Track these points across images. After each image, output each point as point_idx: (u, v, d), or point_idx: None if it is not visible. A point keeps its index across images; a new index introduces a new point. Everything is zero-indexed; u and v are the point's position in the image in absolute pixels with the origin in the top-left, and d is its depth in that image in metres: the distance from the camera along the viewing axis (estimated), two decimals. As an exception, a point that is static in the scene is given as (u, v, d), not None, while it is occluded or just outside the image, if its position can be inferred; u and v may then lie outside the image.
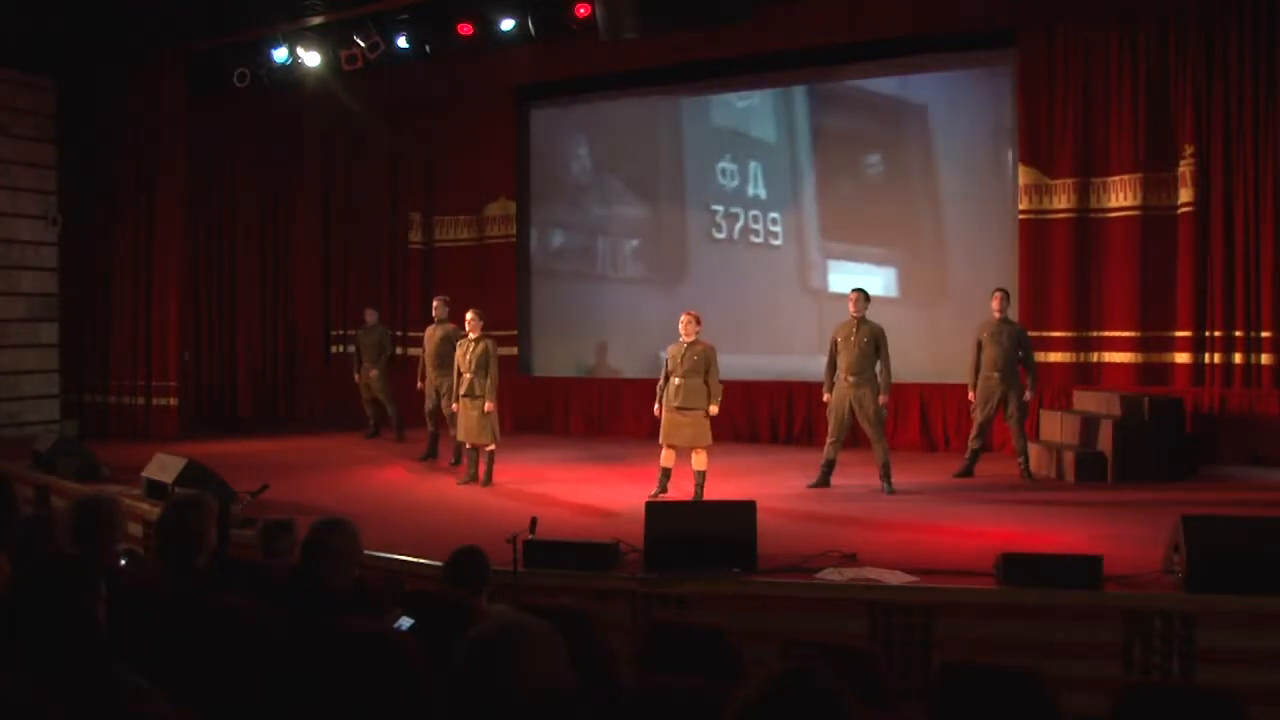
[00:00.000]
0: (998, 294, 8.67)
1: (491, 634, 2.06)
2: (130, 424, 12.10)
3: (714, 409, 7.69)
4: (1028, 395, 8.58)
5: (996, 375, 8.46)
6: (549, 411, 12.26)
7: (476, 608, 3.65)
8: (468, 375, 8.41)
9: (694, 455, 7.74)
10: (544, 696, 2.01)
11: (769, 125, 11.44)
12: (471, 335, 8.53)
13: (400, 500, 8.01)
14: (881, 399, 8.05)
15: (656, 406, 7.85)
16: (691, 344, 7.72)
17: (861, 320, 8.10)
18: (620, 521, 6.75)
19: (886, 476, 8.04)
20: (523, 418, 12.24)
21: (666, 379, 7.76)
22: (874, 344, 8.04)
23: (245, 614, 3.16)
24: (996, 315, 8.59)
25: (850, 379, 8.03)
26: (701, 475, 7.70)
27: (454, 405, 8.68)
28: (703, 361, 7.68)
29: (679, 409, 7.65)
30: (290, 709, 2.95)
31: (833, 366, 8.20)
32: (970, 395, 8.66)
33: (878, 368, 8.09)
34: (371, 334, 11.21)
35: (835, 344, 8.18)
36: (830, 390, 8.24)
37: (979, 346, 8.58)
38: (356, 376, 11.32)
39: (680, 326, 7.81)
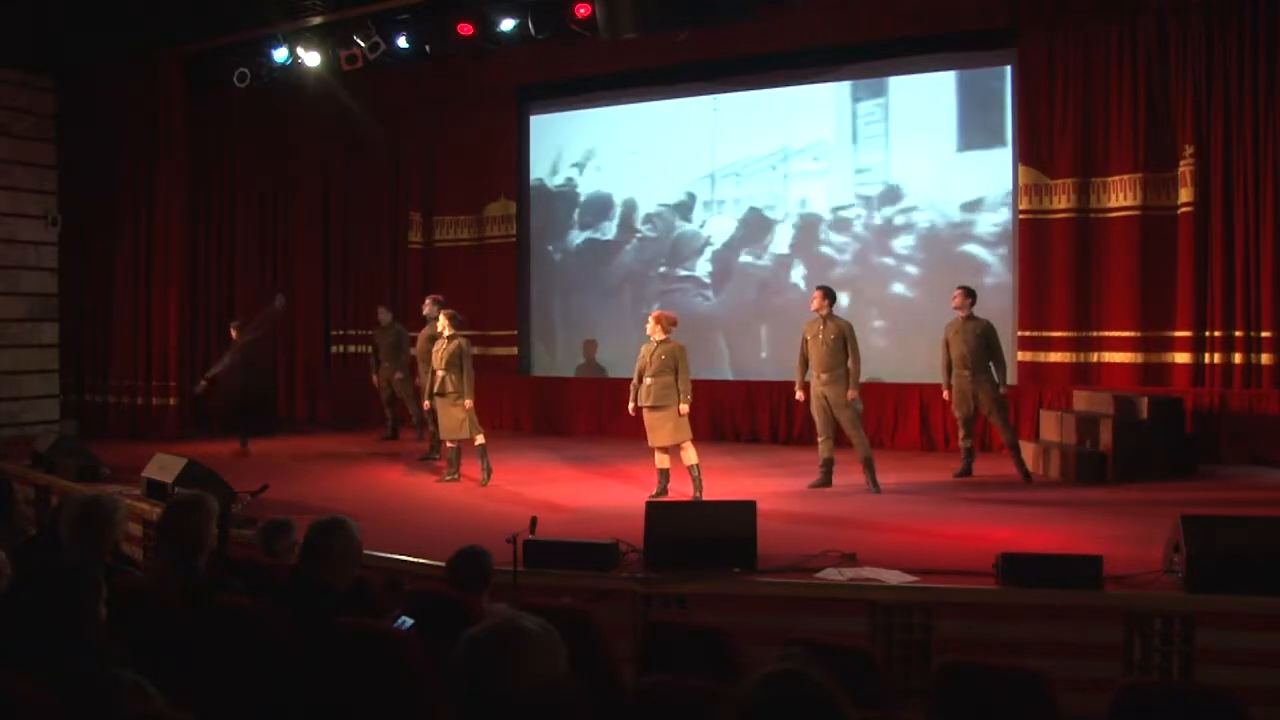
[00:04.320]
0: (958, 292, 8.65)
1: (491, 633, 2.06)
2: (130, 424, 12.10)
3: (684, 407, 7.73)
4: (1001, 390, 8.56)
5: (967, 373, 8.45)
6: (549, 412, 12.26)
7: (477, 608, 3.65)
8: (440, 372, 8.48)
9: (682, 452, 7.77)
10: (543, 696, 2.01)
11: (787, 130, 11.36)
12: (445, 334, 8.58)
13: (400, 500, 8.01)
14: (850, 394, 8.07)
15: (631, 405, 7.93)
16: (661, 343, 7.80)
17: (828, 317, 8.15)
18: (620, 521, 6.74)
19: (871, 473, 8.04)
20: (522, 418, 12.25)
21: (640, 378, 7.84)
22: (841, 340, 8.08)
23: (245, 614, 3.17)
24: (961, 314, 8.55)
25: (823, 376, 8.10)
26: (696, 469, 7.73)
27: (426, 403, 8.83)
28: (671, 360, 7.75)
29: (651, 408, 7.73)
30: (290, 709, 2.95)
31: (804, 364, 8.26)
32: (945, 394, 8.67)
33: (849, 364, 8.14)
34: (387, 333, 11.03)
35: (805, 342, 8.24)
36: (801, 388, 8.30)
37: (946, 345, 8.60)
38: (375, 378, 11.19)
39: (648, 327, 7.88)
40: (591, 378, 12.28)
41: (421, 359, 9.56)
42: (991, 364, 8.49)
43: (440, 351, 8.53)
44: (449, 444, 8.67)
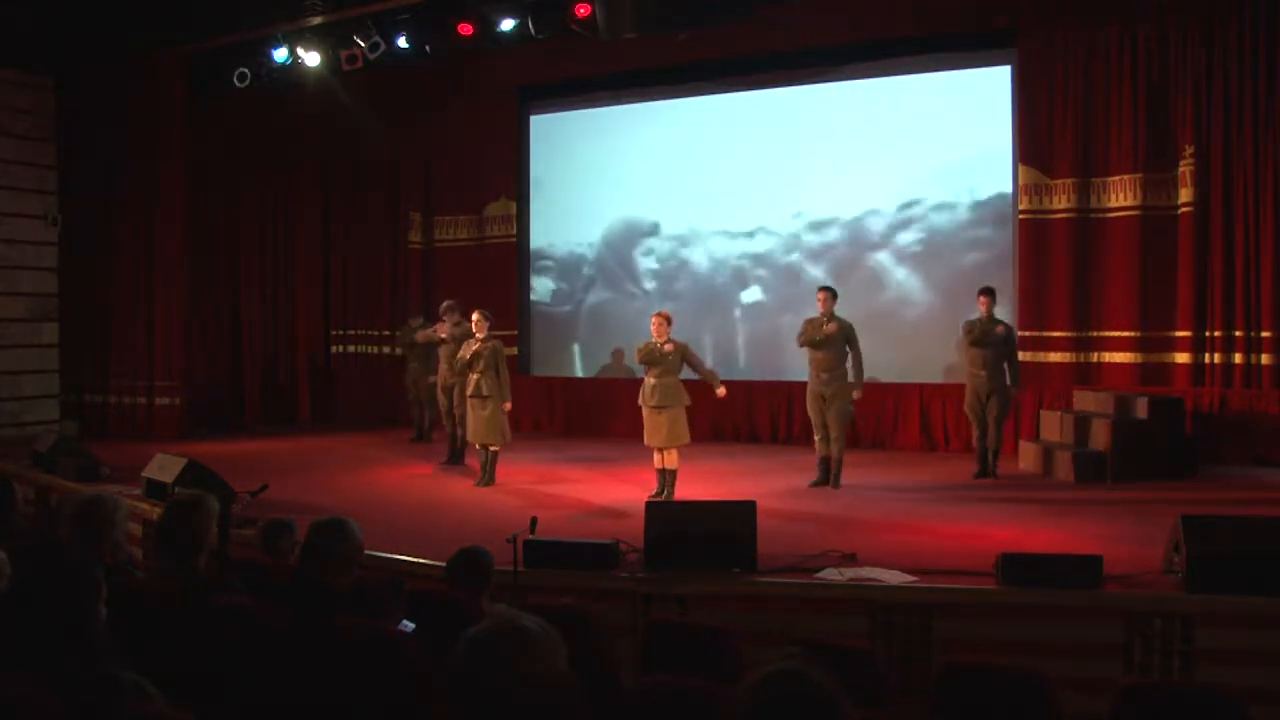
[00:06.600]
0: (983, 294, 8.69)
1: (490, 633, 2.06)
2: (131, 424, 12.10)
3: (722, 390, 7.96)
4: (1012, 393, 8.62)
5: (984, 374, 8.52)
6: (549, 412, 12.26)
7: (477, 608, 3.65)
8: (475, 375, 8.43)
9: (667, 454, 7.77)
10: (543, 696, 2.01)
11: (787, 130, 11.32)
12: (478, 335, 8.54)
13: (401, 500, 8.01)
14: (855, 394, 8.15)
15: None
16: (665, 343, 7.78)
17: (830, 317, 8.17)
18: (620, 521, 6.75)
19: (837, 470, 8.15)
20: (522, 418, 12.23)
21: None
22: (843, 340, 8.13)
23: (245, 614, 3.17)
24: (984, 315, 8.59)
25: (822, 376, 8.17)
26: (672, 474, 7.74)
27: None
28: (678, 360, 7.74)
29: (655, 408, 7.70)
30: (291, 709, 2.95)
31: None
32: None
33: (849, 364, 8.19)
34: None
35: (806, 339, 8.27)
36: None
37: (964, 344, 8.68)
38: (407, 378, 11.21)
39: (652, 327, 7.85)
40: (591, 378, 12.29)
41: (446, 362, 9.61)
42: (1006, 366, 8.54)
43: (474, 354, 8.47)
44: (479, 447, 8.56)
